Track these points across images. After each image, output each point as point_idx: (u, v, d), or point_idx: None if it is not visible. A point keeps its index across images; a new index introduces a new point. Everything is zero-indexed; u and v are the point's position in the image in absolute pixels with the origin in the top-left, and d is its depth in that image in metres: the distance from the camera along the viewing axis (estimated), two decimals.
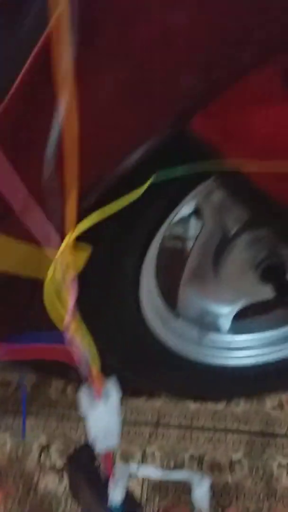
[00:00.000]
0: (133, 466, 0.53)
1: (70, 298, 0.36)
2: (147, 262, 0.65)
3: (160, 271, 0.74)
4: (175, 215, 0.62)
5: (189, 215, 0.96)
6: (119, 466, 0.53)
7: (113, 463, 0.52)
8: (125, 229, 0.59)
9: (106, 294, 0.66)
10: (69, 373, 0.64)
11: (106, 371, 0.44)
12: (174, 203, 0.58)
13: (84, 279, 0.63)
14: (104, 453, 0.49)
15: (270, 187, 0.48)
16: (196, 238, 0.72)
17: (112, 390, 0.43)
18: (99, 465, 0.55)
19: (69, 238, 0.35)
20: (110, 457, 0.50)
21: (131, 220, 0.58)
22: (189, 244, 0.96)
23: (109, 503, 0.51)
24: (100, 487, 0.53)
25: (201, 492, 0.52)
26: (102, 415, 0.42)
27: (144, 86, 0.39)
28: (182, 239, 0.99)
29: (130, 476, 0.52)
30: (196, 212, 0.95)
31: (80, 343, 0.39)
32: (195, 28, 0.35)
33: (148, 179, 0.43)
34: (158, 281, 0.73)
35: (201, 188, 0.59)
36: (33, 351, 0.63)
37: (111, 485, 0.51)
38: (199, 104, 0.41)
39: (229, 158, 0.44)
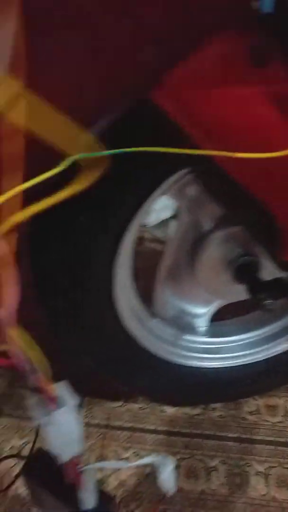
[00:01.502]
0: (99, 464, 0.48)
1: (8, 296, 0.27)
2: (121, 260, 0.60)
3: (137, 270, 0.69)
4: (147, 208, 0.57)
5: (169, 218, 0.92)
6: (85, 469, 0.46)
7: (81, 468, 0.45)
8: (95, 223, 0.54)
9: (79, 293, 0.60)
10: None
11: (79, 372, 0.37)
12: (145, 195, 0.54)
13: (55, 276, 0.59)
14: (69, 461, 0.42)
15: (243, 177, 0.43)
16: (172, 236, 0.67)
17: (67, 395, 0.37)
18: (61, 468, 0.48)
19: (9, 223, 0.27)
20: (75, 465, 0.43)
21: (102, 212, 0.53)
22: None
23: (81, 508, 0.44)
24: (66, 491, 0.46)
25: (166, 473, 0.47)
26: (60, 424, 0.36)
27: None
28: (162, 242, 0.94)
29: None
30: (176, 216, 0.92)
31: (21, 350, 0.32)
32: None
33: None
34: (134, 280, 0.68)
35: (175, 180, 0.54)
36: None
37: (81, 490, 0.44)
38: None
39: (197, 143, 0.40)
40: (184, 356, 0.74)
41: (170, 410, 0.83)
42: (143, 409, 0.84)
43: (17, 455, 0.75)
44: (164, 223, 0.88)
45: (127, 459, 0.77)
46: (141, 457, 0.78)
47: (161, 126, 0.38)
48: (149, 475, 0.75)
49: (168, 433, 0.80)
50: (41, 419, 0.35)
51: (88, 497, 0.44)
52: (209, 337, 0.77)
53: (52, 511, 0.50)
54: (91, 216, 0.53)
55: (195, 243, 0.66)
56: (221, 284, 0.68)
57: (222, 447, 0.79)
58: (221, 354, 0.76)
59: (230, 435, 0.80)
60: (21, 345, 0.31)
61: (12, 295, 0.27)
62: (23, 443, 0.80)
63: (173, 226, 0.68)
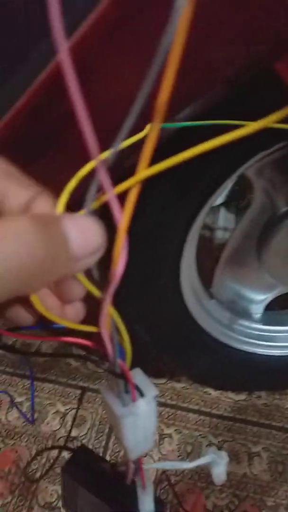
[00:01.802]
0: (155, 464, 0.44)
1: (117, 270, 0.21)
2: (191, 236, 0.59)
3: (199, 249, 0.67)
4: (225, 187, 0.55)
5: (219, 206, 0.89)
6: (146, 468, 0.43)
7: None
8: (178, 194, 0.52)
9: (148, 260, 0.59)
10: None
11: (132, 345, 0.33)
12: (232, 168, 0.51)
13: (131, 241, 0.57)
14: (138, 458, 0.37)
15: None
16: (242, 217, 0.65)
17: (145, 384, 0.31)
18: (111, 468, 0.45)
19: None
20: (141, 462, 0.38)
21: (184, 185, 0.51)
22: (218, 234, 0.90)
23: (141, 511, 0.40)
24: (112, 492, 0.42)
25: (219, 469, 0.45)
26: (139, 415, 0.30)
27: None
28: (210, 228, 0.92)
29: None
30: (226, 203, 0.89)
31: (115, 332, 0.26)
32: None
33: None
34: (196, 260, 0.67)
35: (260, 157, 0.52)
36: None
37: (143, 492, 0.39)
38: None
39: None
40: (238, 340, 0.73)
41: (214, 392, 0.83)
42: (186, 388, 0.83)
43: (59, 447, 0.75)
44: (213, 210, 0.86)
45: (169, 435, 0.77)
46: (183, 435, 0.77)
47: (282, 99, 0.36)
48: (191, 453, 0.75)
49: (211, 415, 0.80)
50: (121, 409, 0.30)
51: (148, 500, 0.39)
52: (263, 325, 0.75)
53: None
54: (171, 194, 0.51)
55: (266, 227, 0.63)
56: (287, 272, 0.65)
57: (265, 435, 0.78)
58: (275, 342, 0.74)
59: (274, 424, 0.79)
60: (116, 327, 0.25)
61: (121, 268, 0.21)
62: (66, 409, 0.81)
63: (226, 218, 0.65)
